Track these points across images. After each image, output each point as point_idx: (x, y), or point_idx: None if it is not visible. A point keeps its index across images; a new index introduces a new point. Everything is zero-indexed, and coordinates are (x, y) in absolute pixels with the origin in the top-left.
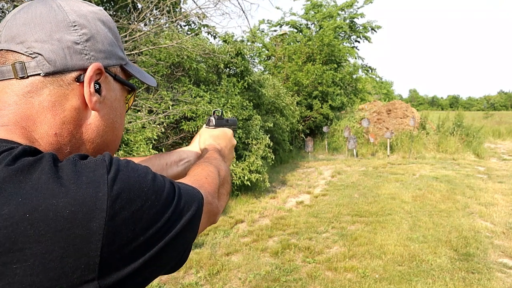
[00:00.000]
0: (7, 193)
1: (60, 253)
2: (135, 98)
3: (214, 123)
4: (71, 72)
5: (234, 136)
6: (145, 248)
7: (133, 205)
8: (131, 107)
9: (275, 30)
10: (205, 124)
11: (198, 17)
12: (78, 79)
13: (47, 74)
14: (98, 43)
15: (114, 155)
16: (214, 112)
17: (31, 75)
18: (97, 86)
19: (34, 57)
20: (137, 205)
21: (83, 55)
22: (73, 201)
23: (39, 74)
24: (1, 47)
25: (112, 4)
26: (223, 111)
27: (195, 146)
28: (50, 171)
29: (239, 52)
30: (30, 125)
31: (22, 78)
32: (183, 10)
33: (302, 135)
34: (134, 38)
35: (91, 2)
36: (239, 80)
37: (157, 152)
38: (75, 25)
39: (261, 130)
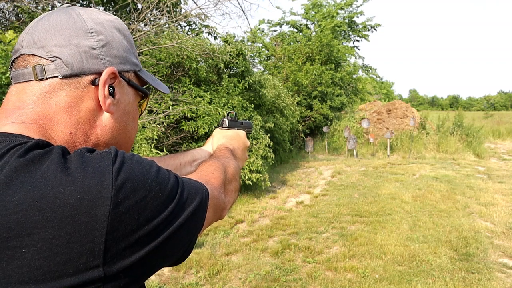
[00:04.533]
0: (18, 181)
1: (67, 238)
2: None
3: (227, 125)
4: (87, 75)
5: (248, 138)
6: (150, 238)
7: (137, 195)
8: (144, 111)
9: (275, 30)
10: (219, 126)
11: (199, 17)
12: (94, 82)
13: (64, 77)
14: (114, 49)
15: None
16: (228, 114)
17: (49, 77)
18: (111, 89)
19: (53, 61)
20: (141, 195)
21: (99, 59)
22: (79, 189)
23: (57, 77)
24: (24, 51)
25: (113, 4)
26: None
27: (208, 147)
28: (58, 161)
29: (240, 52)
30: (47, 123)
31: (41, 80)
32: (183, 10)
33: (302, 135)
34: (134, 38)
35: (93, 1)
36: (240, 80)
37: (158, 151)
38: (92, 32)
39: (261, 130)
